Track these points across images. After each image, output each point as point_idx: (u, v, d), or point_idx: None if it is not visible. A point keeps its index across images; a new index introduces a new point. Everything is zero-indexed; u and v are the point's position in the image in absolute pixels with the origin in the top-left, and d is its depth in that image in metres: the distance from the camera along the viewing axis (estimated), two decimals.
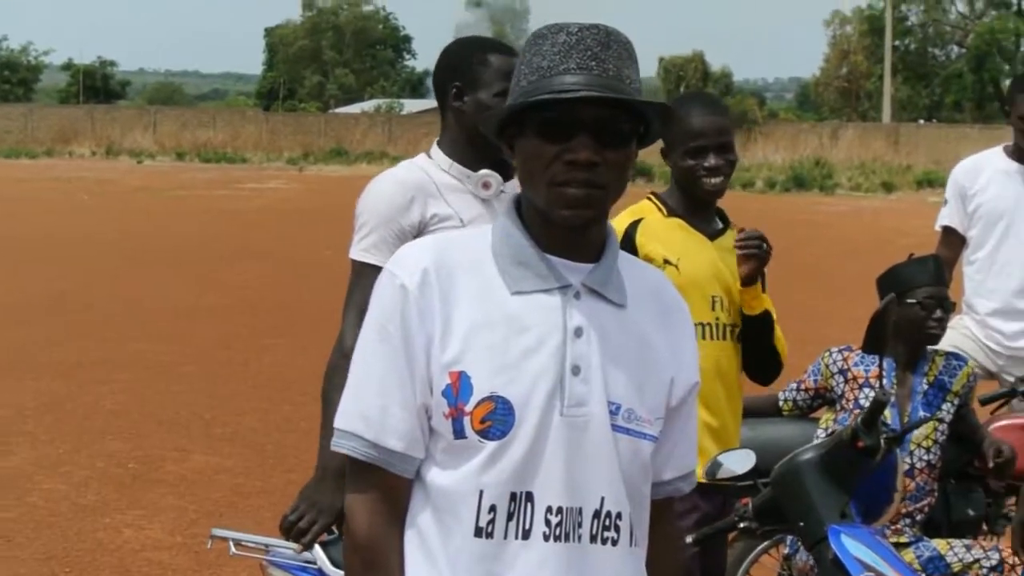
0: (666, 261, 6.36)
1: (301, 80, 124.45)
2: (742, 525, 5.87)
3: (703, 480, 6.08)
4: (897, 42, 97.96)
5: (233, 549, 5.83)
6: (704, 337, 6.34)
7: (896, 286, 6.82)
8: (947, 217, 9.27)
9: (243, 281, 26.41)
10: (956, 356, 7.60)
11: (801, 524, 5.60)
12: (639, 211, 6.55)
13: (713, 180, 6.33)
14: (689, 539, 6.09)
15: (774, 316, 6.47)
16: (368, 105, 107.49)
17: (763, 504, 5.75)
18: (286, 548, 5.65)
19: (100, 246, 32.45)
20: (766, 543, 7.65)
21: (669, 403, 3.61)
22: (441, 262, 3.46)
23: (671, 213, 6.52)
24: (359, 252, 5.54)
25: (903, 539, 7.09)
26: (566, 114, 3.36)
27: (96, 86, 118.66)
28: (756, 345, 6.54)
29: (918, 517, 7.22)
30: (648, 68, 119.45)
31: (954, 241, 9.22)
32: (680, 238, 6.46)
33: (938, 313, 7.28)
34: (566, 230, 3.45)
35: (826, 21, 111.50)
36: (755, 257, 6.27)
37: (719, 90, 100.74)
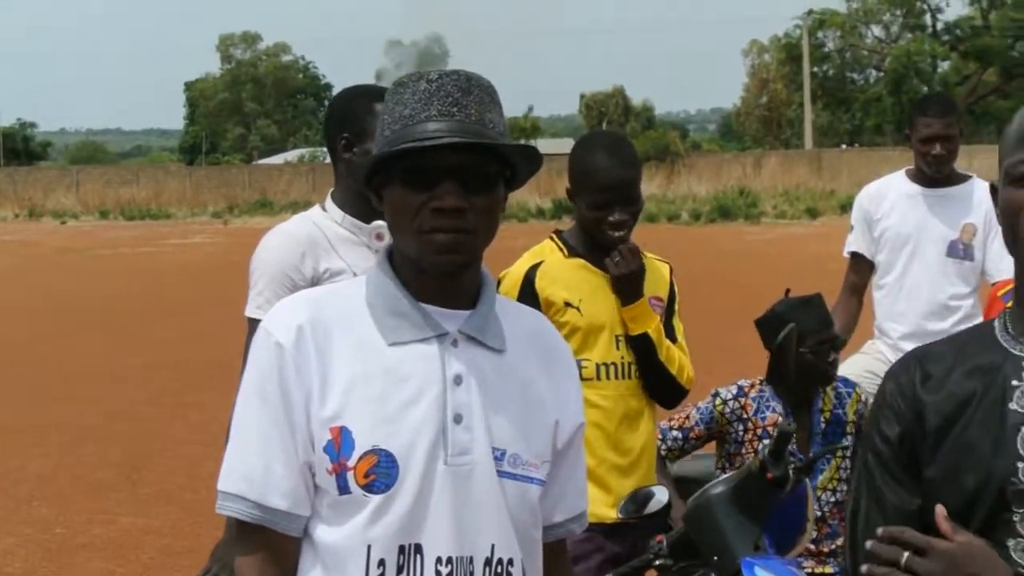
0: (567, 304, 6.37)
1: (223, 133, 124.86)
2: (658, 562, 5.87)
3: (618, 519, 6.09)
4: (815, 69, 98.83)
5: None
6: (610, 377, 6.36)
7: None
8: (854, 243, 9.34)
9: (167, 338, 26.32)
10: (844, 382, 7.50)
11: (715, 558, 5.62)
12: (540, 252, 6.53)
13: (618, 233, 6.30)
14: None
15: (654, 337, 6.38)
16: (292, 155, 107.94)
17: (677, 540, 5.75)
18: None
19: (23, 309, 32.43)
20: None
21: (555, 446, 3.62)
22: (316, 317, 3.46)
23: (572, 253, 6.48)
24: (253, 309, 5.52)
25: (827, 570, 7.09)
26: (430, 161, 3.37)
27: (17, 148, 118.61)
28: (640, 366, 6.48)
29: (839, 554, 7.20)
30: (570, 105, 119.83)
31: (863, 266, 9.29)
32: (581, 279, 6.44)
33: (831, 357, 7.26)
34: (439, 277, 3.46)
35: (744, 51, 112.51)
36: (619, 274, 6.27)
37: (641, 124, 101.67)
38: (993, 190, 3.27)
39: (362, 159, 5.37)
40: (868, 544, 3.14)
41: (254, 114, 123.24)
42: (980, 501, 3.17)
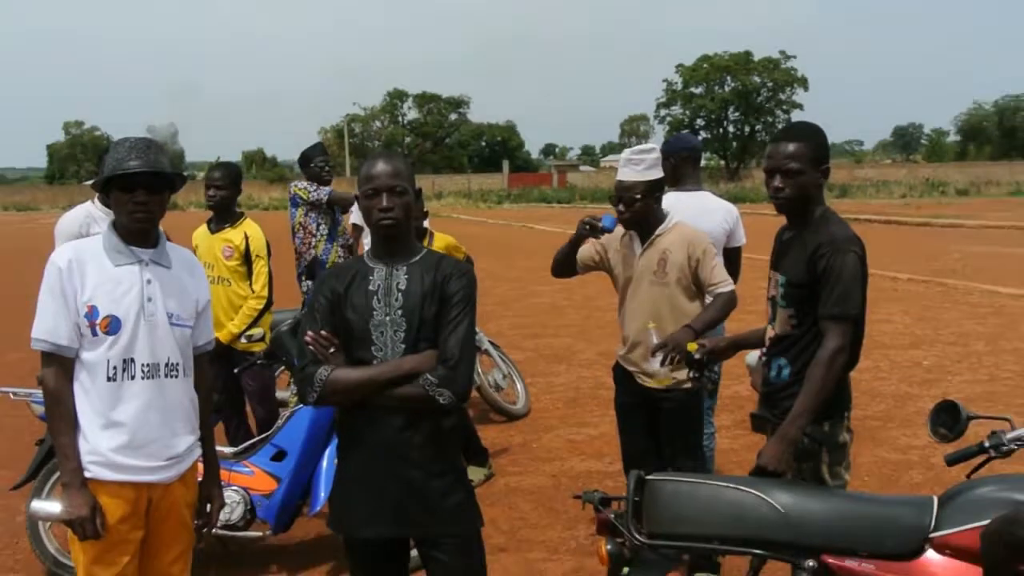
0: (196, 246, 6.21)
1: (74, 171, 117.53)
2: (259, 361, 5.81)
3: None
4: (352, 140, 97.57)
5: (12, 397, 5.40)
6: (214, 283, 6.09)
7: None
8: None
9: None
10: None
11: (283, 359, 5.61)
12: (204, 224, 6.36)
13: (209, 196, 6.21)
14: (236, 370, 6.02)
15: (227, 340, 6.06)
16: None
17: (267, 351, 5.72)
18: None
19: None
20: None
21: (197, 310, 3.59)
22: (77, 255, 3.38)
23: (207, 222, 6.33)
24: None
25: None
26: (133, 180, 3.34)
27: None
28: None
29: None
30: (235, 156, 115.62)
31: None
32: (203, 236, 6.28)
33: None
34: (137, 233, 3.41)
35: (318, 132, 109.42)
36: None
37: (266, 170, 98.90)
38: (356, 198, 3.42)
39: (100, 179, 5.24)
40: (308, 335, 3.27)
41: (86, 159, 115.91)
42: (362, 330, 3.27)
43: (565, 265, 5.00)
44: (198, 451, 3.62)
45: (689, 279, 4.77)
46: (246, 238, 6.23)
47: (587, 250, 5.00)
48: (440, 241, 6.73)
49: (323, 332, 3.27)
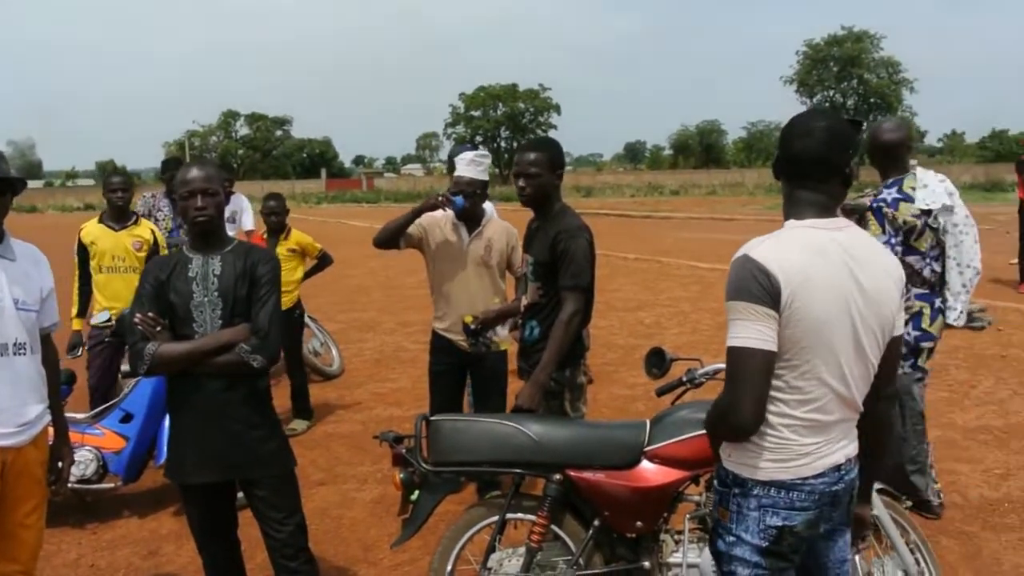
0: (92, 242, 5.63)
1: None
2: (107, 339, 5.40)
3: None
4: (196, 154, 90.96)
5: None
6: (111, 272, 5.63)
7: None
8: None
9: None
10: None
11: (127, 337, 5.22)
12: (95, 218, 5.82)
13: (117, 198, 5.68)
14: (87, 347, 5.59)
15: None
16: None
17: (116, 330, 5.31)
18: None
19: None
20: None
21: (42, 296, 3.26)
22: None
23: (101, 221, 5.76)
24: None
25: None
26: None
27: None
28: None
29: None
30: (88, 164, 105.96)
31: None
32: (99, 230, 5.68)
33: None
34: None
35: (162, 145, 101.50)
36: None
37: (157, 174, 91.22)
38: (173, 200, 3.27)
39: None
40: (137, 317, 3.07)
41: None
42: (184, 311, 3.09)
43: (396, 235, 4.46)
44: (48, 417, 3.32)
45: (504, 263, 4.61)
46: (154, 234, 5.87)
47: (413, 228, 4.57)
48: (296, 236, 6.61)
49: (149, 314, 3.08)
